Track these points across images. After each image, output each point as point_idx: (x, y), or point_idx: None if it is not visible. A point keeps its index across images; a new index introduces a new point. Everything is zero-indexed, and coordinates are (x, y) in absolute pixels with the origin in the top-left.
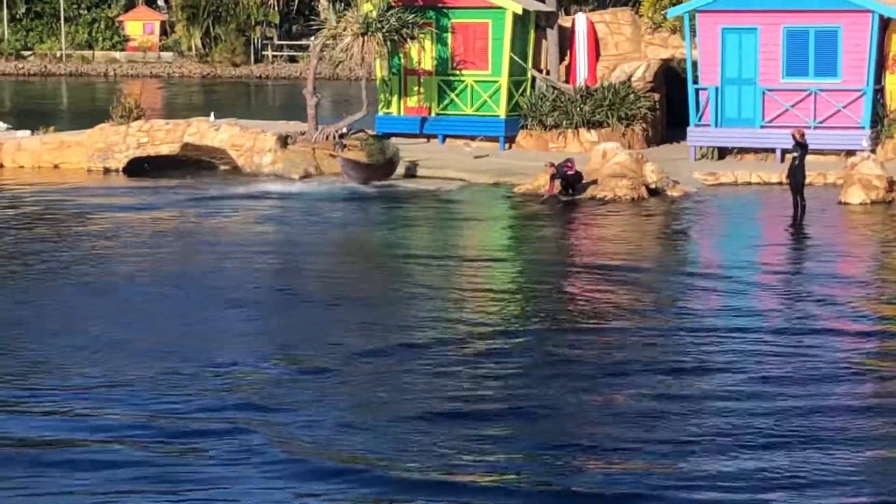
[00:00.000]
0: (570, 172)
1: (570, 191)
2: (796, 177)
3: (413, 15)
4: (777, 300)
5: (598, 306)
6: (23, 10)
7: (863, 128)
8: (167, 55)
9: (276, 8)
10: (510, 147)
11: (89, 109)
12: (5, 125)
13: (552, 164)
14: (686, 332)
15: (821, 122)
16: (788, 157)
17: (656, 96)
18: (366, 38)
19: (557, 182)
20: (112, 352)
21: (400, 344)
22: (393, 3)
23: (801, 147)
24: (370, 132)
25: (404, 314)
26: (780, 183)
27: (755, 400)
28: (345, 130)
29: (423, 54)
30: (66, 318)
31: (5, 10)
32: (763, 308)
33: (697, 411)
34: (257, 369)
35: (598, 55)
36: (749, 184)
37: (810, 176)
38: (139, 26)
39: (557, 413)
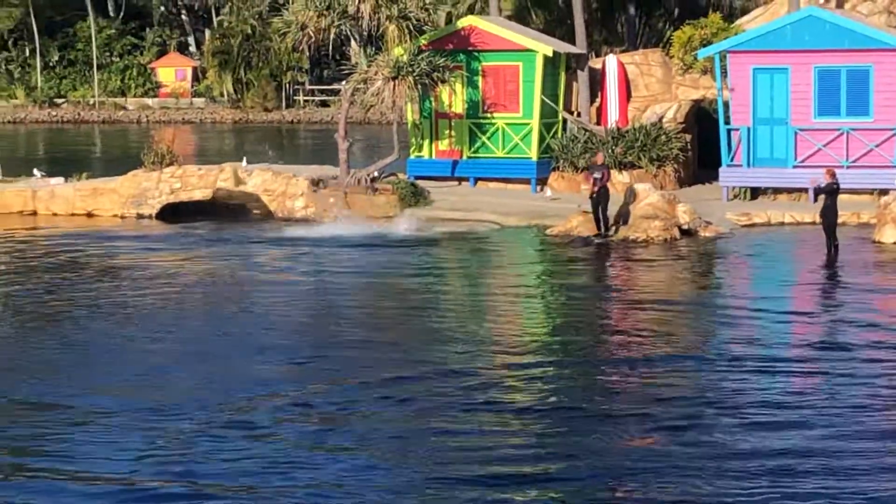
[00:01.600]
0: (603, 179)
1: (600, 206)
2: (828, 216)
3: (444, 59)
4: (813, 343)
5: (635, 345)
6: (56, 58)
7: (895, 166)
8: (199, 101)
9: (308, 53)
10: (541, 189)
11: (122, 156)
12: (39, 173)
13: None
14: (731, 370)
15: (853, 162)
16: (821, 197)
17: (688, 137)
18: (397, 81)
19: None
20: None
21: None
22: (424, 47)
23: (832, 187)
24: (402, 176)
25: (439, 358)
26: (812, 223)
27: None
28: (376, 174)
29: (454, 97)
30: (119, 356)
31: (39, 58)
32: (795, 355)
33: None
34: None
35: (629, 96)
36: (782, 224)
37: (843, 215)
38: (171, 73)
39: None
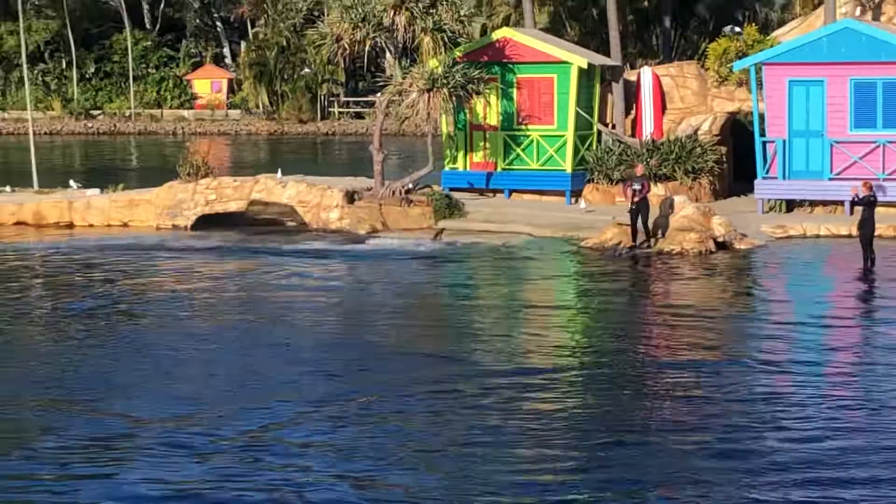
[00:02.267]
0: (643, 190)
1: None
2: (865, 229)
3: (478, 71)
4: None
5: (669, 355)
6: (92, 70)
7: None
8: (234, 113)
9: (343, 65)
10: (576, 201)
11: (158, 167)
12: (75, 184)
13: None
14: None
15: (889, 174)
16: (858, 209)
17: (723, 149)
18: (432, 93)
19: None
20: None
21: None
22: (458, 59)
23: (870, 199)
24: (436, 188)
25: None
26: (849, 235)
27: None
28: (411, 186)
29: (488, 109)
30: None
31: (75, 70)
32: (832, 366)
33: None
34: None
35: (664, 109)
36: (818, 236)
37: (880, 228)
38: (207, 85)
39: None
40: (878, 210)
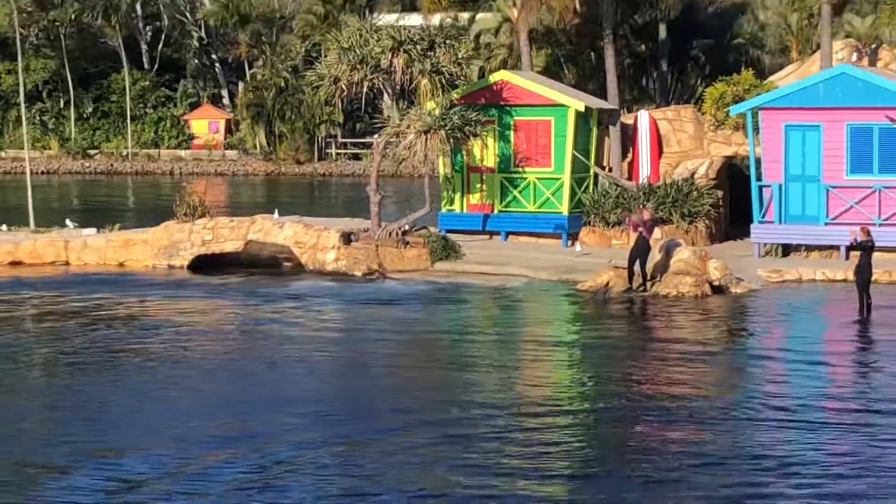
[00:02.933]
0: (645, 233)
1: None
2: (863, 274)
3: (476, 113)
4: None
5: (664, 401)
6: (90, 110)
7: None
8: (232, 153)
9: (341, 107)
10: (572, 244)
11: (155, 207)
12: (72, 223)
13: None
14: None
15: (885, 220)
16: (854, 254)
17: (719, 193)
18: (429, 135)
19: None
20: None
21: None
22: (456, 101)
23: (867, 244)
24: (433, 229)
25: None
26: (845, 280)
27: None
28: (408, 227)
29: (485, 151)
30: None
31: (73, 110)
32: (830, 412)
33: None
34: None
35: (660, 152)
36: (814, 281)
37: (875, 273)
38: (205, 125)
39: None
40: (874, 255)
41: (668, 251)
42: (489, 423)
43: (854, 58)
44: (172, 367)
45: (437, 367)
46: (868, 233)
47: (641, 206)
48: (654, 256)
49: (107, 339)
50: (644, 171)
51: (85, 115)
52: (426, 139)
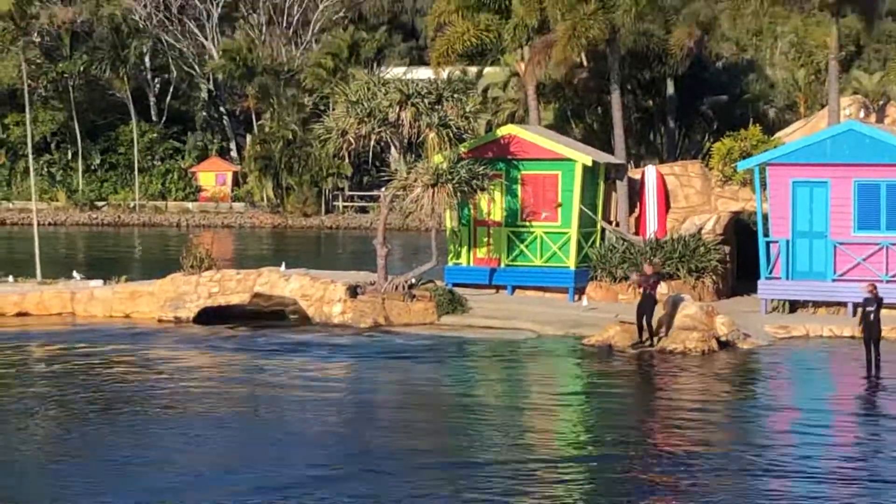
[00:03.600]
0: (648, 289)
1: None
2: (871, 331)
3: (483, 166)
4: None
5: (670, 458)
6: (98, 161)
7: None
8: (239, 206)
9: (348, 160)
10: (579, 298)
11: (161, 259)
12: (78, 275)
13: (641, 273)
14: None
15: (893, 276)
16: (860, 310)
17: (727, 249)
18: (436, 189)
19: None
20: None
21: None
22: (463, 155)
23: (875, 301)
24: (439, 283)
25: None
26: (852, 337)
27: None
28: (414, 281)
29: (492, 205)
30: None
31: (80, 161)
32: (837, 466)
33: None
34: None
35: (667, 207)
36: (821, 337)
37: (883, 330)
38: (212, 177)
39: None
40: (881, 312)
41: (674, 306)
42: (498, 477)
43: (862, 114)
44: (176, 420)
45: (444, 424)
46: (875, 288)
47: (646, 261)
48: (660, 311)
49: (109, 390)
50: (651, 226)
51: (93, 167)
52: (433, 192)
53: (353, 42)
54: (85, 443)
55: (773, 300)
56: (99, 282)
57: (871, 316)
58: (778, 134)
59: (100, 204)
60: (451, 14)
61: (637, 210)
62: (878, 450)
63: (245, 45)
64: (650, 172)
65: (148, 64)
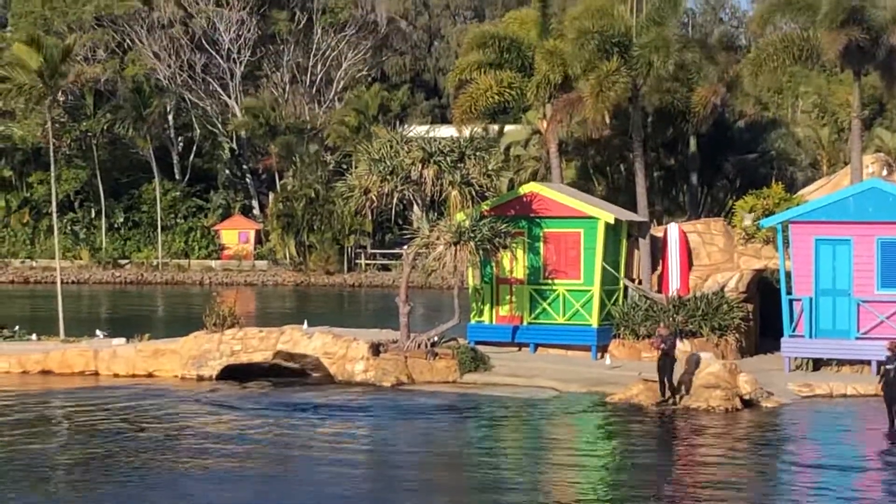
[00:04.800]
0: (665, 346)
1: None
2: (892, 389)
3: (505, 224)
4: None
5: None
6: (121, 220)
7: None
8: (262, 263)
9: (371, 217)
10: (602, 356)
11: (184, 317)
12: (102, 333)
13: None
14: None
15: None
16: (882, 368)
17: (749, 307)
18: (458, 247)
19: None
20: None
21: None
22: (485, 213)
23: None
24: (462, 341)
25: None
26: (876, 395)
27: None
28: (436, 339)
29: (515, 263)
30: None
31: (104, 219)
32: None
33: None
34: None
35: (690, 265)
36: (845, 396)
37: None
38: (235, 235)
39: None
40: None
41: (695, 364)
42: None
43: (884, 172)
44: (199, 479)
45: (468, 486)
46: (894, 347)
47: (662, 322)
48: (681, 369)
49: (132, 449)
50: (674, 283)
51: (116, 226)
52: (456, 250)
53: (380, 99)
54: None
55: (796, 358)
56: (122, 340)
57: (893, 374)
58: (800, 192)
59: (123, 262)
60: (474, 71)
61: (660, 268)
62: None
63: (268, 102)
64: (673, 230)
65: (171, 122)
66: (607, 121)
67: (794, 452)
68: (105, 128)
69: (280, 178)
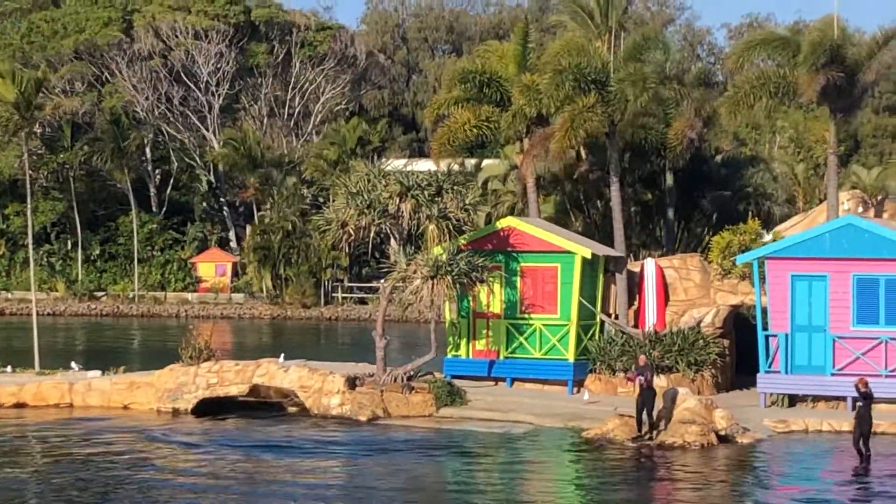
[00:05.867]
0: (642, 378)
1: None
2: (862, 426)
3: (482, 259)
4: None
5: None
6: (97, 252)
7: None
8: (238, 296)
9: (347, 251)
10: (578, 391)
11: (160, 350)
12: (77, 365)
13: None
14: None
15: (892, 371)
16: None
17: (726, 342)
18: (435, 281)
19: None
20: None
21: None
22: (463, 247)
23: (865, 396)
24: (438, 375)
25: None
26: (851, 431)
27: None
28: (413, 373)
29: (491, 297)
30: None
31: (80, 251)
32: None
33: None
34: None
35: (666, 300)
36: (820, 431)
37: (882, 425)
38: (211, 268)
39: None
40: (881, 407)
41: (672, 399)
42: None
43: (860, 209)
44: None
45: None
46: (866, 384)
47: (639, 354)
48: (659, 404)
49: (99, 483)
50: (650, 318)
51: (92, 258)
52: (433, 284)
53: (359, 133)
54: None
55: (772, 394)
56: (97, 372)
57: (862, 410)
58: (777, 228)
59: (99, 294)
60: (451, 106)
61: (636, 303)
62: None
63: (250, 134)
64: (649, 265)
65: (149, 155)
66: (583, 156)
67: (765, 491)
68: (82, 160)
69: (257, 211)
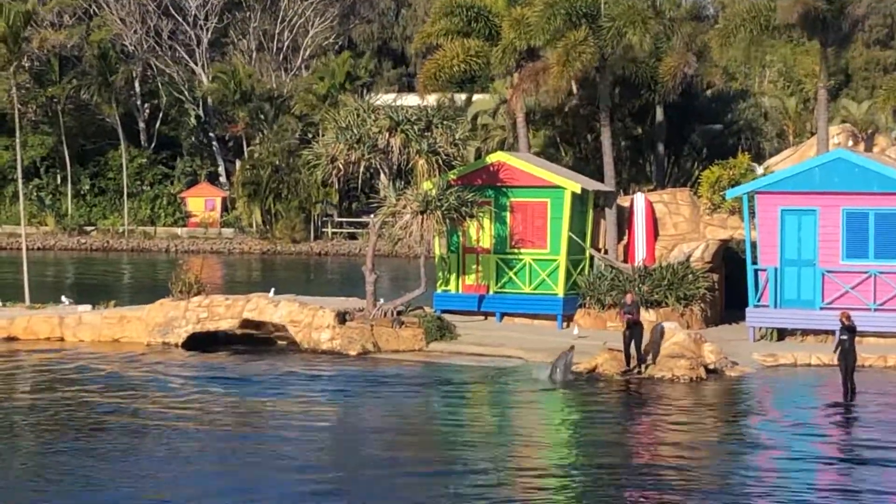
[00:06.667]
0: (630, 315)
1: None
2: (847, 360)
3: (472, 194)
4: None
5: (654, 486)
6: (87, 186)
7: None
8: (228, 231)
9: (337, 186)
10: (567, 326)
11: (150, 285)
12: (67, 300)
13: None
14: None
15: (881, 305)
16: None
17: (715, 276)
18: (425, 216)
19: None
20: None
21: None
22: (452, 182)
23: (850, 330)
24: (428, 310)
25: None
26: (838, 365)
27: None
28: (403, 307)
29: (481, 232)
30: None
31: (70, 186)
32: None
33: None
34: None
35: (656, 235)
36: (808, 365)
37: (870, 358)
38: (201, 203)
39: None
40: (869, 340)
41: (661, 334)
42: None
43: (850, 143)
44: (157, 443)
45: (428, 447)
46: (849, 317)
47: (627, 290)
48: (647, 339)
49: (91, 413)
50: (640, 253)
51: (82, 192)
52: (422, 219)
53: (348, 67)
54: (65, 461)
55: (761, 328)
56: (88, 307)
57: (847, 343)
58: (767, 162)
59: (89, 229)
60: (439, 38)
61: (626, 237)
62: (858, 484)
63: (240, 68)
64: (639, 200)
65: (138, 89)
66: (574, 90)
67: (752, 424)
68: (71, 94)
69: (247, 146)
